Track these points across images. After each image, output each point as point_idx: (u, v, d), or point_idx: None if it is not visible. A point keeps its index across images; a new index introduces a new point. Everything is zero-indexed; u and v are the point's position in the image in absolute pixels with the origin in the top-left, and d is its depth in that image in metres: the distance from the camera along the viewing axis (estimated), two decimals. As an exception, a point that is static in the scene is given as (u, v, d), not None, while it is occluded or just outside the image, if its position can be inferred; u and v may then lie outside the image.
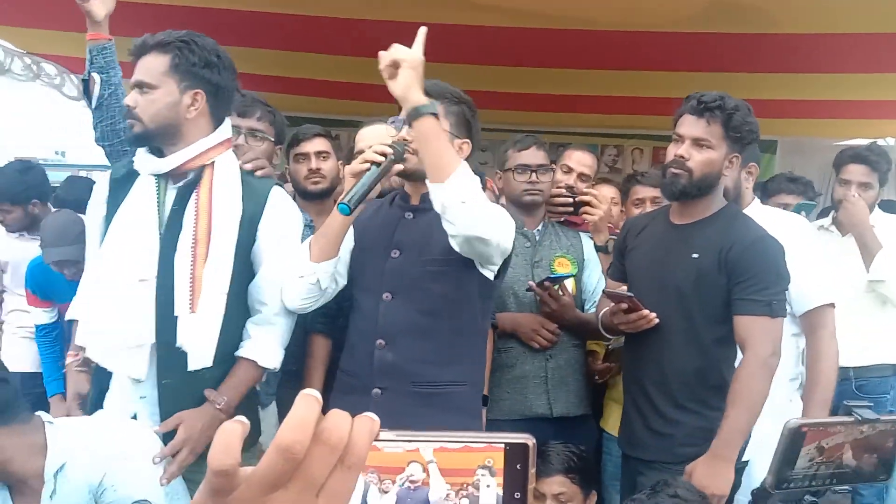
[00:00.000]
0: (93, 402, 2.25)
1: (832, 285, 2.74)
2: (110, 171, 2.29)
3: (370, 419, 0.52)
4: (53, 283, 3.35)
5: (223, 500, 0.48)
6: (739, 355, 2.35)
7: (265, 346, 2.19)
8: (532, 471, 0.60)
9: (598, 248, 2.93)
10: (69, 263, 3.09)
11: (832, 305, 2.67)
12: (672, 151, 2.39)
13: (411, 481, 0.60)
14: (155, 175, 2.13)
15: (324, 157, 2.97)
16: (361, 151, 2.59)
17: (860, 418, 1.74)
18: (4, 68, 4.91)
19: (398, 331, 2.15)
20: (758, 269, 2.28)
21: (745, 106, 2.35)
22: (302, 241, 2.24)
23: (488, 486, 0.60)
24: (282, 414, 2.68)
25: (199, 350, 2.08)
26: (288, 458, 0.47)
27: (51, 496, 1.89)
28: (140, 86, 2.08)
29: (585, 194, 2.92)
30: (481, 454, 0.60)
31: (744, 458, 2.37)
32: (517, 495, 0.59)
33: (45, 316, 3.52)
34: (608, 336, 2.66)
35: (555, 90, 5.01)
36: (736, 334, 2.30)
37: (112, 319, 2.09)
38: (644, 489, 2.10)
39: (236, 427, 0.48)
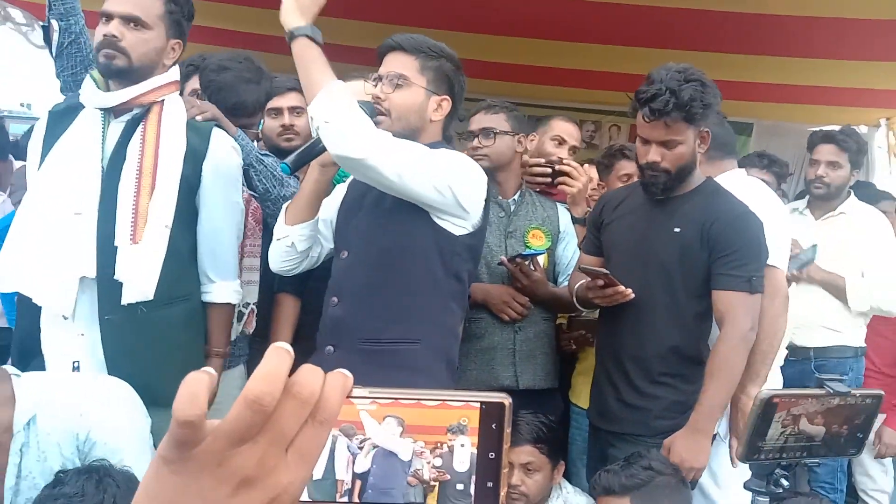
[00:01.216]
0: (22, 352, 2.23)
1: (784, 251, 2.64)
2: (51, 107, 2.27)
3: (343, 375, 0.51)
4: None
5: (188, 453, 0.46)
6: (716, 330, 2.36)
7: (218, 287, 2.30)
8: (507, 430, 0.58)
9: (575, 220, 2.91)
10: None
11: (780, 269, 2.55)
12: (642, 153, 2.37)
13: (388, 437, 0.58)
14: (101, 109, 2.13)
15: (298, 113, 2.89)
16: None
17: (832, 391, 1.75)
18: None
19: (349, 288, 2.13)
20: (739, 245, 2.28)
21: (694, 81, 2.25)
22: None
23: (462, 445, 0.58)
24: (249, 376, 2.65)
25: (139, 282, 2.07)
26: (256, 410, 0.46)
27: (21, 448, 1.85)
28: (131, 20, 2.08)
29: (565, 165, 2.88)
30: (456, 412, 0.58)
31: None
32: (491, 455, 0.58)
33: None
34: (582, 309, 2.65)
35: (535, 62, 4.96)
36: (715, 309, 2.31)
37: (44, 253, 2.06)
38: (617, 461, 2.11)
39: (202, 377, 0.47)
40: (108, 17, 2.09)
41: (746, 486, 1.88)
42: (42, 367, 2.19)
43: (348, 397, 0.52)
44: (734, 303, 2.26)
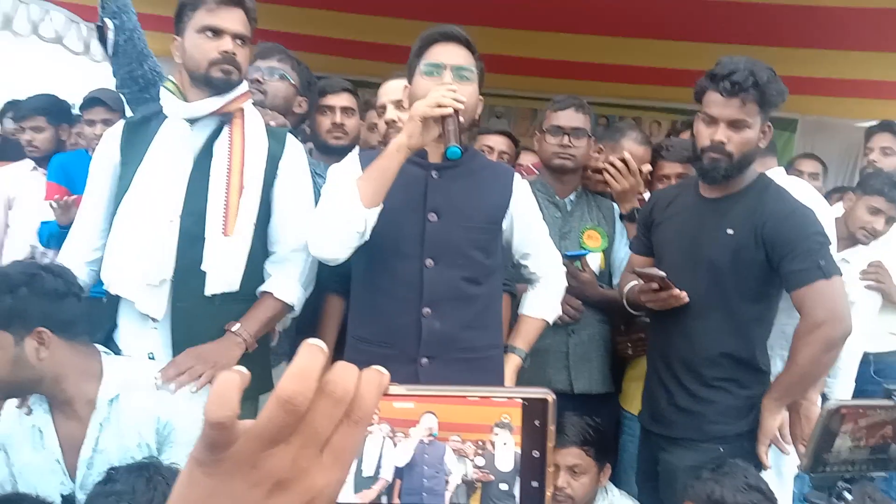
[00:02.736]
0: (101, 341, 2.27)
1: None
2: (125, 119, 2.37)
3: (378, 372, 0.49)
4: (80, 171, 3.28)
5: (221, 455, 0.45)
6: (779, 330, 2.33)
7: (283, 280, 2.26)
8: (552, 427, 0.56)
9: (621, 217, 2.86)
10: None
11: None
12: (706, 134, 2.29)
13: (428, 434, 0.57)
14: (188, 119, 2.21)
15: (348, 114, 2.98)
16: (384, 105, 2.60)
17: (902, 402, 1.69)
18: (9, 21, 4.85)
19: (444, 298, 2.10)
20: (798, 239, 2.22)
21: (770, 70, 2.25)
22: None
23: (505, 443, 0.56)
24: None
25: (226, 273, 2.15)
26: (289, 411, 0.45)
27: (101, 423, 1.93)
28: (241, 38, 2.21)
29: (611, 162, 2.83)
30: (498, 409, 0.56)
31: None
32: (536, 453, 0.56)
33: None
34: (633, 312, 2.61)
35: (575, 57, 4.92)
36: (797, 309, 2.24)
37: (137, 256, 2.14)
38: (705, 467, 2.05)
39: (233, 377, 0.45)
40: (219, 32, 2.16)
41: (807, 499, 1.82)
42: None
43: (385, 395, 0.51)
44: (812, 295, 2.18)
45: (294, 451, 0.46)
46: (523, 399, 0.56)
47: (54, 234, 3.32)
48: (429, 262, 2.10)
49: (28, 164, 3.74)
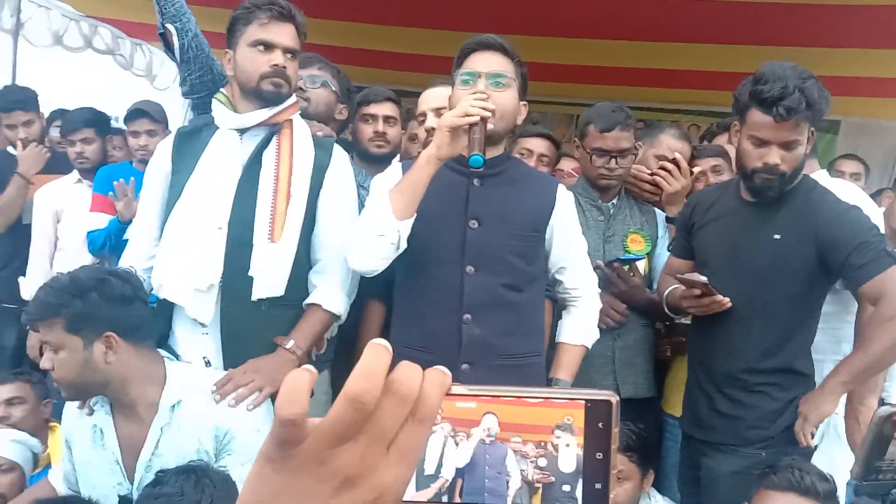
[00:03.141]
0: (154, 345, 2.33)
1: None
2: (176, 130, 2.42)
3: (442, 372, 0.50)
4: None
5: (290, 451, 0.46)
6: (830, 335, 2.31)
7: (328, 290, 2.28)
8: (616, 430, 0.56)
9: (668, 220, 2.84)
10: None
11: None
12: (756, 155, 2.23)
13: (488, 434, 0.57)
14: (238, 129, 2.26)
15: (391, 123, 3.00)
16: (424, 114, 2.62)
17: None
18: (59, 37, 4.98)
19: (484, 304, 2.11)
20: (859, 236, 2.18)
21: (814, 80, 2.18)
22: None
23: (567, 445, 0.56)
24: (334, 381, 2.68)
25: (272, 279, 2.18)
26: (358, 409, 0.46)
27: (162, 428, 1.97)
28: (291, 52, 2.26)
29: (667, 163, 2.81)
30: (559, 410, 0.56)
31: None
32: (599, 455, 0.56)
33: (105, 221, 3.47)
34: (673, 316, 2.59)
35: (612, 62, 4.89)
36: (869, 300, 2.18)
37: (186, 263, 2.18)
38: (771, 466, 2.03)
39: (304, 375, 0.46)
40: (270, 46, 2.21)
41: None
42: None
43: (448, 395, 0.51)
44: (888, 280, 2.13)
45: (361, 449, 0.47)
46: (586, 401, 0.56)
47: (112, 232, 3.38)
48: (469, 268, 2.12)
49: (72, 176, 3.79)
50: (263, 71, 2.21)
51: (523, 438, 0.56)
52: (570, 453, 0.56)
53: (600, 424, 0.56)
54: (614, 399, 0.56)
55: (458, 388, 0.55)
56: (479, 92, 2.01)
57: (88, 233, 3.50)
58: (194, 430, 1.97)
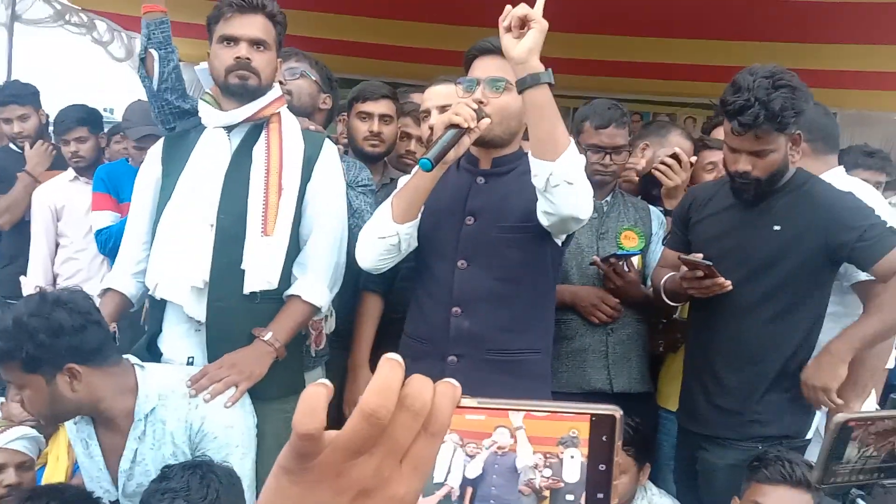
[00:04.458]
0: (145, 345, 2.33)
1: None
2: (164, 136, 2.44)
3: (451, 385, 0.51)
4: (123, 180, 3.43)
5: (307, 464, 0.48)
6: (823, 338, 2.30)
7: (308, 282, 2.28)
8: (618, 443, 0.58)
9: (666, 213, 2.85)
10: (151, 139, 3.10)
11: None
12: (731, 162, 2.29)
13: (499, 447, 0.60)
14: (225, 126, 2.27)
15: (386, 122, 2.95)
16: (427, 110, 2.61)
17: (907, 412, 1.69)
18: (64, 18, 4.97)
19: (474, 298, 2.13)
20: (862, 219, 2.22)
21: (783, 88, 2.15)
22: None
23: (572, 456, 0.58)
24: (329, 376, 2.68)
25: (266, 272, 2.19)
26: (373, 424, 0.47)
27: (139, 437, 1.98)
28: (258, 43, 2.24)
29: (668, 157, 2.82)
30: (566, 423, 0.58)
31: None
32: (602, 467, 0.58)
33: (108, 217, 3.50)
34: (670, 304, 2.59)
35: (609, 56, 4.90)
36: (881, 278, 2.21)
37: (181, 261, 2.19)
38: (760, 459, 2.07)
39: (321, 390, 0.47)
40: (233, 40, 2.22)
41: None
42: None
43: (458, 407, 0.52)
44: (892, 257, 2.16)
45: (376, 462, 0.48)
46: (591, 415, 0.58)
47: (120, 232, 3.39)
48: (461, 262, 2.14)
49: (69, 174, 3.79)
50: (228, 65, 2.21)
51: (532, 450, 0.58)
52: (574, 464, 0.58)
53: (604, 437, 0.57)
54: (618, 413, 0.58)
55: (468, 401, 0.56)
56: (475, 100, 2.01)
57: (96, 233, 3.52)
58: (169, 432, 1.98)
